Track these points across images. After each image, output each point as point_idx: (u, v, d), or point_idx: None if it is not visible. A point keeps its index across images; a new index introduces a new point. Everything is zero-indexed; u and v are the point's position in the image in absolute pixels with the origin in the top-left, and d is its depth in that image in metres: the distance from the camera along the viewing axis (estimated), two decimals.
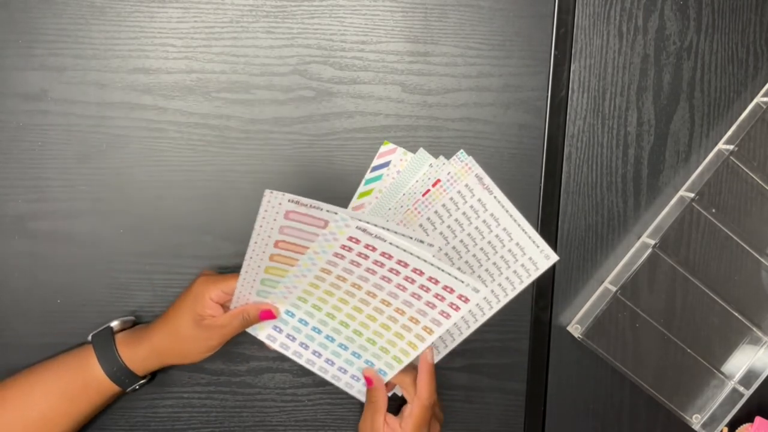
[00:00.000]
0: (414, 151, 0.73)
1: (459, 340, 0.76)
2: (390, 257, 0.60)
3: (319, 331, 0.70)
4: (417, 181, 0.72)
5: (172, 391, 0.75)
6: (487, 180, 0.72)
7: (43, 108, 0.70)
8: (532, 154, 0.75)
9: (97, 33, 0.70)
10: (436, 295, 0.62)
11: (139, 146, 0.71)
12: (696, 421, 0.78)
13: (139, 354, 0.67)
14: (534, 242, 0.73)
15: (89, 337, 0.69)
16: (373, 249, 0.59)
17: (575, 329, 0.76)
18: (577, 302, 0.77)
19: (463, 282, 0.59)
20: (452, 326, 0.74)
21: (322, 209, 0.59)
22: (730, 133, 0.76)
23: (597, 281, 0.77)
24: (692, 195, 0.75)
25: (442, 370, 0.77)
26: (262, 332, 0.71)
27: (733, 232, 0.77)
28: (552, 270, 0.76)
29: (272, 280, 0.66)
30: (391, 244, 0.58)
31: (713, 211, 0.76)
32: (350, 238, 0.59)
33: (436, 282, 0.60)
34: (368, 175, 0.73)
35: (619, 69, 0.75)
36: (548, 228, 0.76)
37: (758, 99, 0.76)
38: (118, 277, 0.73)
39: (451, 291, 0.61)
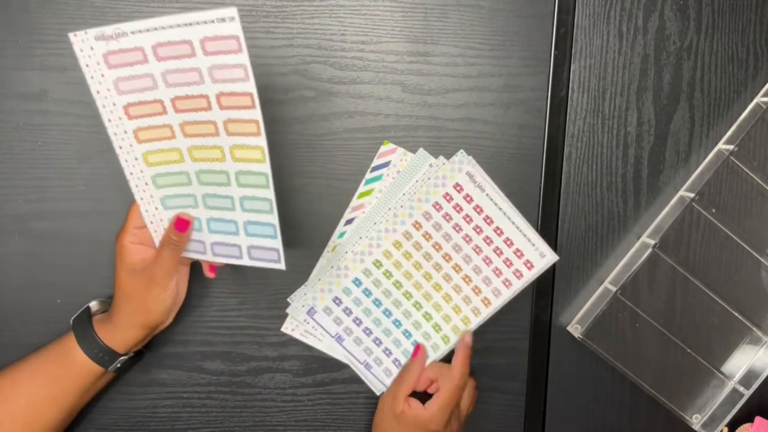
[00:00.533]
0: (414, 151, 0.73)
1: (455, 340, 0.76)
2: (480, 211, 0.69)
3: (380, 304, 0.73)
4: (417, 181, 0.72)
5: (172, 391, 0.75)
6: (483, 180, 0.72)
7: (43, 108, 0.70)
8: (532, 154, 0.75)
9: None
10: (506, 260, 0.71)
11: None
12: (696, 421, 0.78)
13: (112, 330, 0.67)
14: (531, 243, 0.73)
15: (70, 321, 0.69)
16: (470, 200, 0.69)
17: (575, 329, 0.76)
18: (577, 302, 0.77)
19: (534, 246, 0.70)
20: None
21: (127, 32, 0.58)
22: (730, 133, 0.76)
23: (597, 281, 0.77)
24: (692, 195, 0.75)
25: None
26: (321, 303, 0.73)
27: (733, 232, 0.77)
28: (552, 270, 0.76)
29: (164, 174, 0.65)
30: (487, 195, 0.68)
31: (713, 211, 0.76)
32: (456, 185, 0.68)
33: (510, 244, 0.72)
34: (368, 175, 0.73)
35: (619, 69, 0.75)
36: (548, 228, 0.76)
37: (758, 99, 0.76)
38: None
39: (521, 255, 0.71)
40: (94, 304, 0.70)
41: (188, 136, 0.62)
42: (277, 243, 0.65)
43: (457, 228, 0.71)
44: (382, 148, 0.73)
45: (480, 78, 0.74)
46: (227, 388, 0.76)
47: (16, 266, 0.72)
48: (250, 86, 0.58)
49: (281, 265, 0.66)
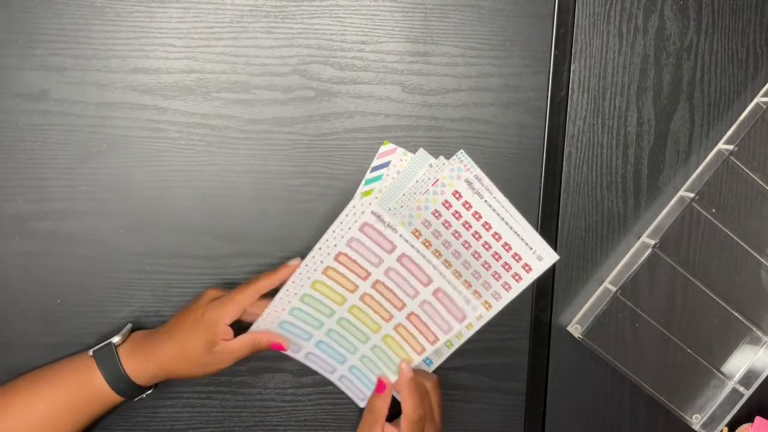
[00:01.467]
0: (414, 151, 0.73)
1: (459, 344, 0.76)
2: (479, 217, 0.68)
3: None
4: (417, 182, 0.72)
5: (172, 391, 0.75)
6: (481, 186, 0.72)
7: (43, 108, 0.70)
8: (532, 154, 0.75)
9: (97, 33, 0.70)
10: (505, 264, 0.71)
11: (139, 146, 0.71)
12: (696, 421, 0.78)
13: (146, 371, 0.67)
14: (529, 246, 0.73)
15: (90, 353, 0.68)
16: (469, 207, 0.68)
17: (575, 329, 0.76)
18: (577, 302, 0.77)
19: (531, 249, 0.69)
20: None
21: (396, 232, 0.61)
22: (730, 133, 0.76)
23: (597, 281, 0.77)
24: (692, 195, 0.75)
25: (442, 370, 0.77)
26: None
27: (733, 232, 0.77)
28: (552, 270, 0.76)
29: (315, 299, 0.67)
30: (486, 201, 0.68)
31: (713, 211, 0.76)
32: (455, 193, 0.68)
33: (509, 249, 0.71)
34: (368, 175, 0.73)
35: (619, 69, 0.75)
36: (548, 228, 0.76)
37: (758, 99, 0.76)
38: (118, 277, 0.73)
39: (519, 259, 0.70)
40: (117, 340, 0.69)
41: (363, 301, 0.67)
42: (369, 391, 0.72)
43: (457, 235, 0.71)
44: (382, 148, 0.73)
45: (480, 78, 0.74)
46: (227, 388, 0.76)
47: (16, 266, 0.72)
48: (442, 339, 0.65)
49: (362, 404, 0.74)
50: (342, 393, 0.75)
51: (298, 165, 0.73)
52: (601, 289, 0.77)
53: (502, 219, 0.72)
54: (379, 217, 0.61)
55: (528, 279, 0.73)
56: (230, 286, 0.74)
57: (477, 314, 0.65)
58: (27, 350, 0.72)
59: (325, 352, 0.72)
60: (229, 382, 0.76)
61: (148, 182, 0.72)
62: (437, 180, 0.72)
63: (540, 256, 0.73)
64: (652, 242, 0.75)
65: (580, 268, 0.77)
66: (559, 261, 0.75)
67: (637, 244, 0.77)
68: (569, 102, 0.75)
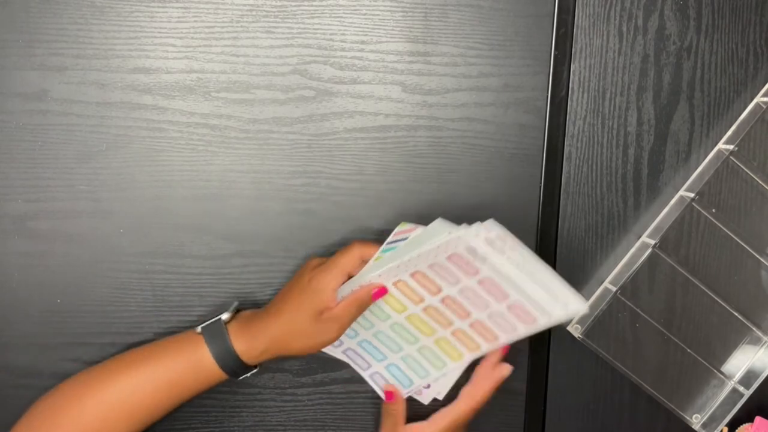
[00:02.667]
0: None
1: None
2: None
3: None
4: (433, 247, 0.64)
5: None
6: (500, 247, 0.63)
7: (43, 108, 0.70)
8: (532, 154, 0.75)
9: (97, 33, 0.70)
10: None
11: (139, 146, 0.72)
12: (696, 420, 0.78)
13: (255, 349, 0.66)
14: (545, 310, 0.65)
15: (199, 329, 0.67)
16: (482, 264, 0.63)
17: (575, 329, 0.76)
18: None
19: (547, 312, 0.64)
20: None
21: (486, 262, 0.61)
22: (730, 133, 0.76)
23: (597, 281, 0.77)
24: (692, 195, 0.75)
25: None
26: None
27: (733, 232, 0.77)
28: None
29: (372, 305, 0.68)
30: (504, 261, 0.62)
31: (713, 211, 0.76)
32: (469, 248, 0.63)
33: (523, 313, 0.66)
34: (384, 246, 0.68)
35: (619, 69, 0.75)
36: (548, 228, 0.76)
37: (758, 99, 0.76)
38: (118, 277, 0.73)
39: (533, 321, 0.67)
40: (226, 317, 0.68)
41: (425, 312, 0.68)
42: (404, 389, 0.73)
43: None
44: (399, 228, 0.69)
45: (480, 78, 0.74)
46: (226, 388, 0.76)
47: (16, 266, 0.72)
48: (503, 341, 0.68)
49: (384, 397, 0.73)
50: (342, 392, 0.75)
51: (298, 165, 0.73)
52: (601, 289, 0.77)
53: (517, 285, 0.64)
54: (472, 251, 0.61)
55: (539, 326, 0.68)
56: (230, 285, 0.74)
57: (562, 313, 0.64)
58: (27, 350, 0.72)
59: (366, 350, 0.72)
60: (228, 382, 0.75)
61: (148, 182, 0.72)
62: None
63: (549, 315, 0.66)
64: (652, 242, 0.75)
65: (580, 268, 0.77)
66: (558, 261, 0.75)
67: (637, 244, 0.77)
68: (569, 102, 0.75)
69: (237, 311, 0.70)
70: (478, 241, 0.61)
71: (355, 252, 0.66)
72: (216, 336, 0.66)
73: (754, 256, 0.77)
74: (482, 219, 0.62)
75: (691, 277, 0.77)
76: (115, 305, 0.73)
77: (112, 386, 0.64)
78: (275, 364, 0.75)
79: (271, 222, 0.74)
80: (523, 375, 0.78)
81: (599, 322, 0.76)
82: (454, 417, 0.70)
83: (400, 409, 0.72)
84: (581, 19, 0.74)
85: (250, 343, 0.66)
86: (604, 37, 0.75)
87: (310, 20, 0.72)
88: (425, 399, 0.75)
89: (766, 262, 0.77)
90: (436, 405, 0.73)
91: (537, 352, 0.78)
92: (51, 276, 0.72)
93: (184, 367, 0.65)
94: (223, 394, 0.76)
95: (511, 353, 0.77)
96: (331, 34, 0.72)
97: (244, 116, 0.72)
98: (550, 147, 0.75)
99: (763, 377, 0.77)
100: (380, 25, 0.72)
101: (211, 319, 0.68)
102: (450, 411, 0.71)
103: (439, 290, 0.66)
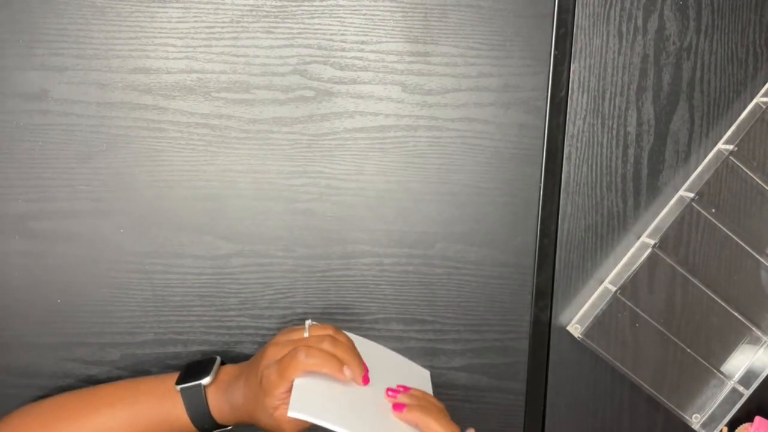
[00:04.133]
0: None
1: None
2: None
3: None
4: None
5: None
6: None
7: (43, 108, 0.70)
8: (532, 154, 0.75)
9: (97, 33, 0.70)
10: None
11: (139, 146, 0.72)
12: (696, 420, 0.78)
13: (230, 416, 0.67)
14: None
15: (178, 389, 0.66)
16: None
17: (575, 329, 0.76)
18: (577, 302, 0.77)
19: None
20: None
21: None
22: (729, 133, 0.77)
23: (597, 281, 0.77)
24: (692, 195, 0.75)
25: (443, 370, 0.77)
26: None
27: (733, 232, 0.77)
28: (552, 270, 0.76)
29: None
30: None
31: (713, 211, 0.76)
32: None
33: None
34: None
35: (619, 69, 0.75)
36: (548, 228, 0.76)
37: (758, 99, 0.76)
38: (118, 277, 0.73)
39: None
40: (207, 381, 0.67)
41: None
42: None
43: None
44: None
45: (480, 78, 0.74)
46: None
47: (16, 266, 0.72)
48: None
49: None
50: None
51: (298, 165, 0.73)
52: (600, 288, 0.77)
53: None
54: None
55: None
56: (230, 285, 0.74)
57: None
58: (27, 350, 0.72)
59: None
60: None
61: (148, 182, 0.72)
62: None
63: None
64: (652, 242, 0.75)
65: (580, 268, 0.77)
66: (558, 261, 0.75)
67: (637, 244, 0.77)
68: (569, 102, 0.75)
69: (220, 365, 0.70)
70: None
71: (302, 368, 0.62)
72: (194, 399, 0.66)
73: (754, 256, 0.77)
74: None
75: (690, 277, 0.77)
76: (115, 305, 0.73)
77: (89, 423, 0.65)
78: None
79: (271, 222, 0.74)
80: (523, 375, 0.78)
81: (599, 322, 0.76)
82: None
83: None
84: (581, 19, 0.74)
85: (223, 407, 0.66)
86: (604, 37, 0.75)
87: (310, 20, 0.72)
88: None
89: (765, 262, 0.77)
90: None
91: (537, 351, 0.78)
92: (51, 276, 0.72)
93: (161, 421, 0.67)
94: None
95: (512, 353, 0.78)
96: (331, 35, 0.72)
97: (244, 116, 0.72)
98: (549, 147, 0.75)
99: (763, 377, 0.77)
100: (380, 25, 0.72)
101: (191, 381, 0.67)
102: None
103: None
